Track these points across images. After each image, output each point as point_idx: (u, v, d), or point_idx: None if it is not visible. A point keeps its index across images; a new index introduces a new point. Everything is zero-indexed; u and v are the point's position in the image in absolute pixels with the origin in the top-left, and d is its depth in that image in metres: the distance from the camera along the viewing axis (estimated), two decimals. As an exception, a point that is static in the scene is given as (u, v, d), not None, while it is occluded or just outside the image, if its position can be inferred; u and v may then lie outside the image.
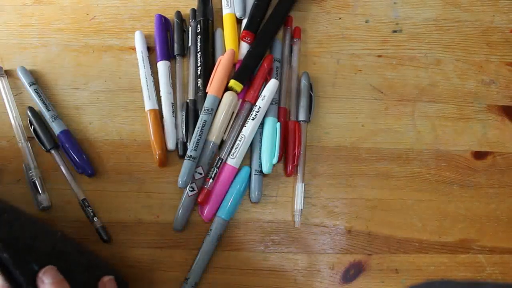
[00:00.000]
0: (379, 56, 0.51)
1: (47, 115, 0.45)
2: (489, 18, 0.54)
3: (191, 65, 0.48)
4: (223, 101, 0.45)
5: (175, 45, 0.48)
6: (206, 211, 0.43)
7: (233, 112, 0.45)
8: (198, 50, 0.47)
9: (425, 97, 0.50)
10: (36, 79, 0.47)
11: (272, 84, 0.45)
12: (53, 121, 0.44)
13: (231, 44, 0.48)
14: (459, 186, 0.47)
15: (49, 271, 0.32)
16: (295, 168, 0.46)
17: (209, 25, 0.49)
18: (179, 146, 0.45)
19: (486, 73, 0.52)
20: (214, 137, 0.44)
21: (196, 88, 0.47)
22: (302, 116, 0.47)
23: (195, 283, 0.41)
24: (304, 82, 0.48)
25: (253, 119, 0.45)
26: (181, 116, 0.46)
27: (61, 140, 0.44)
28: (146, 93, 0.46)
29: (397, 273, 0.44)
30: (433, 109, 0.50)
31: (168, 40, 0.49)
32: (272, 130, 0.46)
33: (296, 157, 0.45)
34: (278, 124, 0.46)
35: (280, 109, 0.47)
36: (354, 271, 0.44)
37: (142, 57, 0.47)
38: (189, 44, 0.49)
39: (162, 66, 0.47)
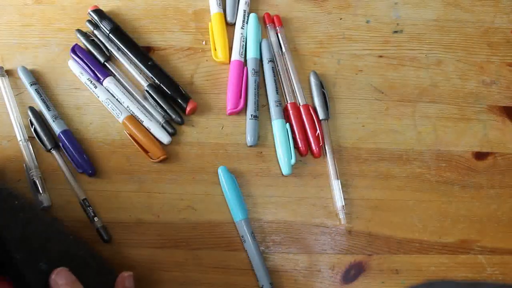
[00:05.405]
0: (380, 56, 0.51)
1: (47, 115, 0.45)
2: (490, 18, 0.54)
3: (124, 63, 0.47)
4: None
5: (98, 57, 0.47)
6: (229, 105, 0.46)
7: None
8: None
9: (426, 98, 0.50)
10: (37, 79, 0.47)
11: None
12: (53, 121, 0.44)
13: (220, 43, 0.49)
14: (460, 186, 0.47)
15: (61, 272, 0.32)
16: (322, 148, 0.47)
17: (117, 28, 0.48)
18: (165, 126, 0.45)
19: (487, 74, 0.52)
20: None
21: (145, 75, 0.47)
22: (321, 115, 0.47)
23: (270, 283, 0.41)
24: (314, 81, 0.48)
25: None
26: (151, 102, 0.46)
27: (61, 140, 0.44)
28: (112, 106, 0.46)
29: (397, 273, 0.44)
30: (434, 110, 0.50)
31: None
32: (282, 132, 0.46)
33: (320, 137, 0.46)
34: (287, 124, 0.46)
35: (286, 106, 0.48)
36: (354, 272, 0.44)
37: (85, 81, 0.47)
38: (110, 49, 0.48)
39: (107, 83, 0.46)
